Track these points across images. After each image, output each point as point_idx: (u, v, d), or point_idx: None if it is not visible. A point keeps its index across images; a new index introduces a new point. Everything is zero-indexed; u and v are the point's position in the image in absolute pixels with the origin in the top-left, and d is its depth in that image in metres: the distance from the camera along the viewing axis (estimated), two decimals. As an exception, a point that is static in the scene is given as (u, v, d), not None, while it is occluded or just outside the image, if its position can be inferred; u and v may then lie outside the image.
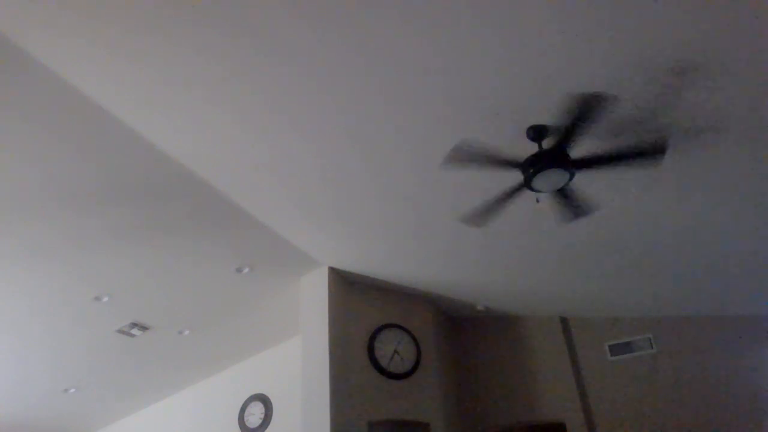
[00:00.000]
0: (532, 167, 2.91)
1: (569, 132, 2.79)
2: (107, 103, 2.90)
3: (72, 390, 6.07)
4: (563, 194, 3.17)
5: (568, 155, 2.90)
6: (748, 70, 2.56)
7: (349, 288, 5.15)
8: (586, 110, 2.65)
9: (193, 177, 3.53)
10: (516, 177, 3.07)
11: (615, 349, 5.53)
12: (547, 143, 2.99)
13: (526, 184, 3.00)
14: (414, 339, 5.20)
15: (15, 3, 2.30)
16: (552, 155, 2.89)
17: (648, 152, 2.84)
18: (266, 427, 5.70)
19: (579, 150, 2.97)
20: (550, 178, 2.93)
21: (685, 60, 2.51)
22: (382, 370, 4.84)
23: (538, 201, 3.43)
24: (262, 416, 5.77)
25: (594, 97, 2.60)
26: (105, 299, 4.62)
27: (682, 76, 2.60)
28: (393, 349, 5.01)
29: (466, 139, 3.06)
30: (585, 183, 3.37)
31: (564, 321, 5.85)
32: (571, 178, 2.96)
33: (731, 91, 2.68)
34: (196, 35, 2.46)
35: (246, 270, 4.70)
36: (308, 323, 4.81)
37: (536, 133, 2.99)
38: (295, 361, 5.67)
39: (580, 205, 3.25)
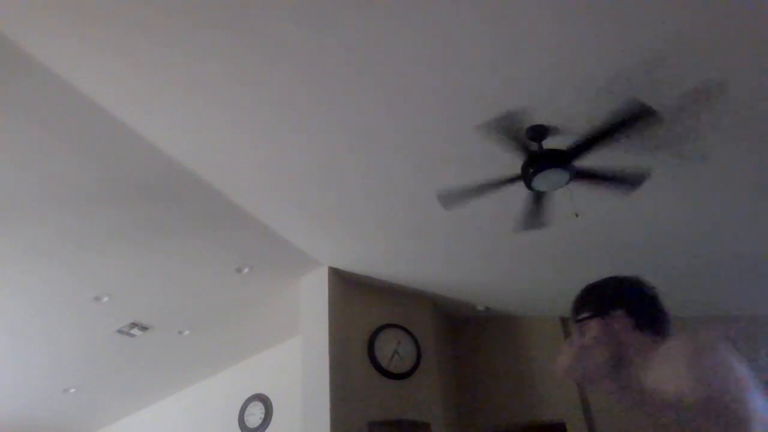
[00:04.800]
0: (532, 167, 2.91)
1: (598, 138, 2.71)
2: (107, 103, 2.90)
3: (72, 390, 6.06)
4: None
5: (567, 155, 2.90)
6: (749, 68, 2.56)
7: (349, 288, 5.14)
8: (629, 119, 2.57)
9: (193, 177, 3.53)
10: (515, 173, 3.06)
11: (615, 349, 5.52)
12: (547, 143, 2.99)
13: (526, 185, 3.00)
14: (414, 339, 5.19)
15: (16, 3, 2.30)
16: (552, 155, 2.89)
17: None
18: (266, 427, 5.69)
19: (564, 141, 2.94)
20: (550, 178, 2.93)
21: (685, 58, 2.51)
22: (382, 370, 4.84)
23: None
24: (262, 416, 5.76)
25: (643, 108, 2.51)
26: (105, 299, 4.61)
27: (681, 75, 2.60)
28: (393, 349, 5.01)
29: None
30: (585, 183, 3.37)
31: (564, 321, 5.85)
32: (571, 179, 2.96)
33: (731, 89, 2.67)
34: (196, 36, 2.46)
35: (246, 270, 4.69)
36: (308, 323, 4.80)
37: (536, 133, 2.99)
38: (295, 361, 5.66)
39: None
